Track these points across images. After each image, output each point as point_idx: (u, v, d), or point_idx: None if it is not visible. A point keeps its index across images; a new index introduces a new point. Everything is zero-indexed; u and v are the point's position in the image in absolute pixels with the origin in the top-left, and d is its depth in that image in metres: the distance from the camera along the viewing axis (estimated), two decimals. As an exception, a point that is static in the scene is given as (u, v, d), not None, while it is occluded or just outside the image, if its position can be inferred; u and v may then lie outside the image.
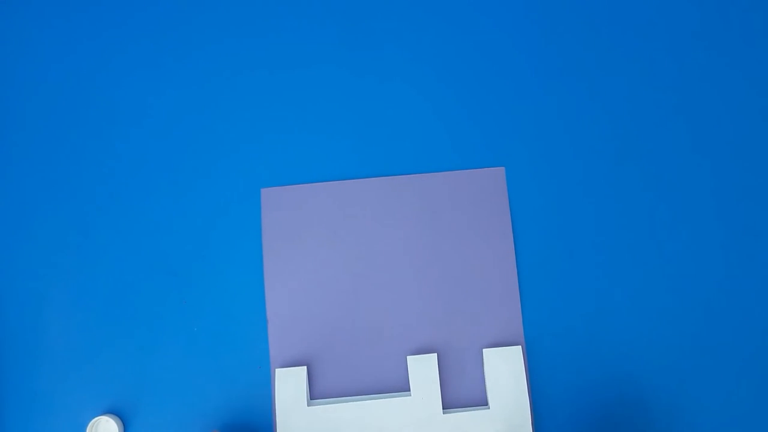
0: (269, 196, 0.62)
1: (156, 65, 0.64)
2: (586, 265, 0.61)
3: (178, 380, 0.59)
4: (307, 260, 0.61)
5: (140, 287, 0.61)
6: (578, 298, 0.60)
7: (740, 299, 0.60)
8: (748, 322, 0.60)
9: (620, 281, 0.60)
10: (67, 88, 0.64)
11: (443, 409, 0.57)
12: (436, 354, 0.58)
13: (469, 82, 0.64)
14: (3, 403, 0.59)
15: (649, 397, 0.59)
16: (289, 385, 0.57)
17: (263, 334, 0.60)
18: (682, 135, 0.63)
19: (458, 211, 0.62)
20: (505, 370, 0.57)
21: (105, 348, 0.60)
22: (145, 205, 0.62)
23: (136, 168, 0.63)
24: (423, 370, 0.57)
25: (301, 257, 0.61)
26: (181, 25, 0.65)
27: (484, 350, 0.58)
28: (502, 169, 0.62)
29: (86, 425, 0.57)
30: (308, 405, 0.57)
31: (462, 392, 0.58)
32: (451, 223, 0.61)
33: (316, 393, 0.59)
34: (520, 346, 0.58)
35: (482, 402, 0.58)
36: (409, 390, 0.58)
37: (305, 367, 0.58)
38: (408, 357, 0.58)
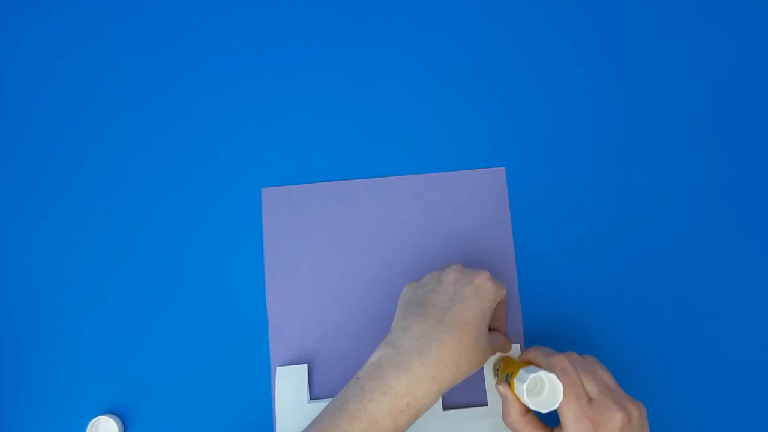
0: (270, 196, 0.62)
1: (156, 65, 0.64)
2: (587, 265, 0.61)
3: (178, 380, 0.59)
4: (307, 259, 0.61)
5: (140, 287, 0.61)
6: (578, 299, 0.60)
7: (741, 300, 0.60)
8: (748, 322, 0.60)
9: (620, 281, 0.61)
10: (67, 88, 0.64)
11: (443, 407, 0.58)
12: (436, 353, 0.58)
13: (469, 82, 0.64)
14: (3, 403, 0.59)
15: (650, 397, 0.59)
16: (289, 384, 0.57)
17: (264, 333, 0.60)
18: (684, 136, 0.63)
19: (458, 211, 0.62)
20: (505, 369, 0.58)
21: (105, 348, 0.60)
22: (144, 205, 0.62)
23: (136, 168, 0.63)
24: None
25: (302, 256, 0.61)
26: (181, 25, 0.65)
27: (484, 349, 0.58)
28: (502, 169, 0.63)
29: (86, 425, 0.57)
30: (308, 403, 0.57)
31: (462, 390, 0.58)
32: (451, 223, 0.62)
33: (316, 392, 0.59)
34: (519, 346, 0.58)
35: (482, 400, 0.58)
36: (409, 389, 0.58)
37: (306, 365, 0.58)
38: (408, 356, 0.58)
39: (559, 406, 0.47)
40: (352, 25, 0.65)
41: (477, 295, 0.49)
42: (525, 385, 0.47)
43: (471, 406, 0.57)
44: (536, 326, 0.60)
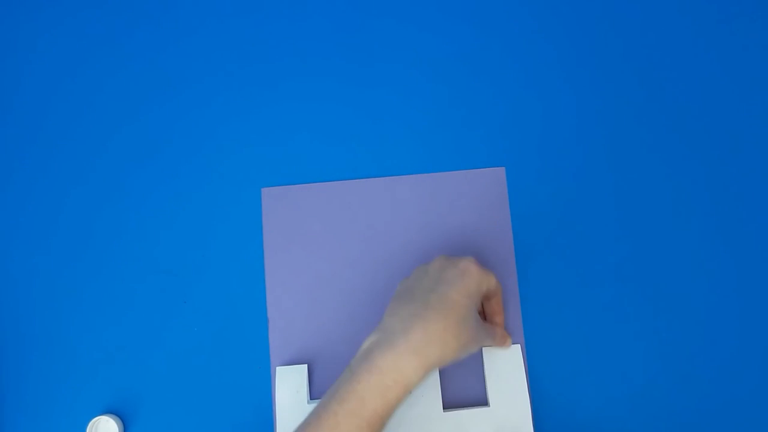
0: (270, 195, 0.62)
1: (156, 65, 0.64)
2: (587, 265, 0.61)
3: (178, 380, 0.59)
4: (307, 259, 0.61)
5: (140, 287, 0.61)
6: (578, 298, 0.60)
7: (741, 299, 0.60)
8: (748, 322, 0.60)
9: (620, 281, 0.61)
10: (67, 88, 0.64)
11: (443, 407, 0.57)
12: (436, 353, 0.58)
13: (469, 82, 0.64)
14: (4, 403, 0.59)
15: (650, 397, 0.59)
16: (289, 384, 0.57)
17: (264, 333, 0.60)
18: (684, 136, 0.63)
19: (458, 211, 0.62)
20: (505, 369, 0.57)
21: (105, 348, 0.60)
22: (144, 205, 0.62)
23: (136, 168, 0.63)
24: (423, 369, 0.57)
25: (302, 256, 0.61)
26: (181, 25, 0.65)
27: (483, 349, 0.58)
28: (502, 169, 0.63)
29: (86, 425, 0.57)
30: (308, 403, 0.57)
31: (462, 391, 0.58)
32: (451, 223, 0.62)
33: (316, 392, 0.59)
34: (519, 346, 0.58)
35: (482, 401, 0.58)
36: (409, 389, 0.58)
37: (306, 365, 0.58)
38: (408, 356, 0.58)
39: None
40: (352, 25, 0.65)
41: (462, 277, 0.50)
42: None
43: (471, 407, 0.57)
44: (536, 325, 0.60)
